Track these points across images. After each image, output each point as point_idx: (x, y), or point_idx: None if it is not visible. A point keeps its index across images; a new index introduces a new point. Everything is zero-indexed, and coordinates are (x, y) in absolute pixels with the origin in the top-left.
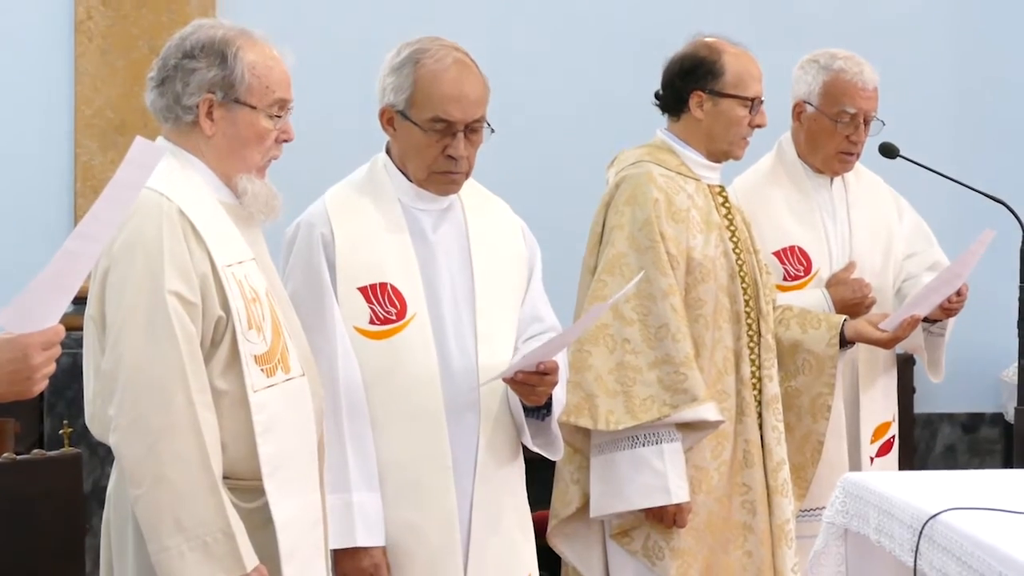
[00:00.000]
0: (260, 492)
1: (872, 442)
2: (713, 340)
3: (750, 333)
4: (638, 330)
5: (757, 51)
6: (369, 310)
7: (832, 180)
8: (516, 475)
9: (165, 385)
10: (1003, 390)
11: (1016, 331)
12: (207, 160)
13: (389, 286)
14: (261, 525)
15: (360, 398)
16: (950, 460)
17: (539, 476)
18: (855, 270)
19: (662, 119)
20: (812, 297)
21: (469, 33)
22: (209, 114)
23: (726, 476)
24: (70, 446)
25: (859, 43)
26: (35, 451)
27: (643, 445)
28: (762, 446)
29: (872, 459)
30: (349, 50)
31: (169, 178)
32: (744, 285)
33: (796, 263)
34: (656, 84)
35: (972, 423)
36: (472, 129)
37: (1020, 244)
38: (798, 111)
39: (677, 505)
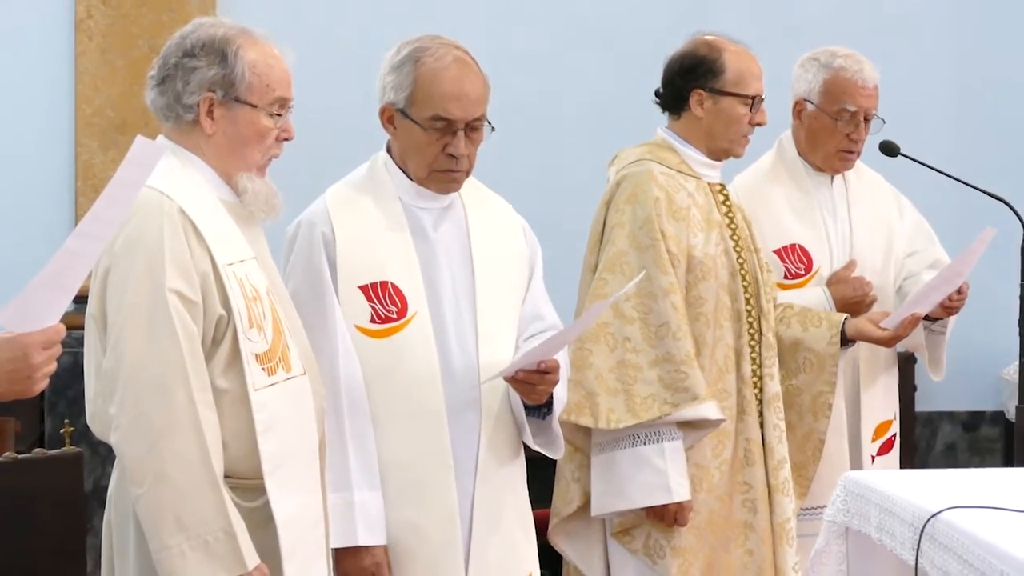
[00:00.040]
0: (261, 491)
1: (873, 440)
2: (714, 338)
3: (751, 331)
4: (639, 328)
5: (757, 49)
6: (370, 309)
7: (833, 178)
8: (517, 474)
9: (166, 384)
10: (1004, 388)
11: (1017, 329)
12: (208, 159)
13: (390, 285)
14: (262, 524)
15: (361, 397)
16: (951, 458)
17: (540, 475)
18: (856, 268)
19: (662, 118)
20: (813, 295)
21: (469, 32)
22: (210, 113)
23: (727, 474)
24: (71, 445)
25: (859, 41)
26: (36, 450)
27: (644, 443)
28: (763, 444)
29: (873, 457)
30: (349, 49)
31: (170, 177)
32: (745, 283)
33: (797, 261)
34: (656, 83)
35: (973, 421)
36: (472, 127)
37: (1021, 242)
38: (798, 109)
39: (678, 503)
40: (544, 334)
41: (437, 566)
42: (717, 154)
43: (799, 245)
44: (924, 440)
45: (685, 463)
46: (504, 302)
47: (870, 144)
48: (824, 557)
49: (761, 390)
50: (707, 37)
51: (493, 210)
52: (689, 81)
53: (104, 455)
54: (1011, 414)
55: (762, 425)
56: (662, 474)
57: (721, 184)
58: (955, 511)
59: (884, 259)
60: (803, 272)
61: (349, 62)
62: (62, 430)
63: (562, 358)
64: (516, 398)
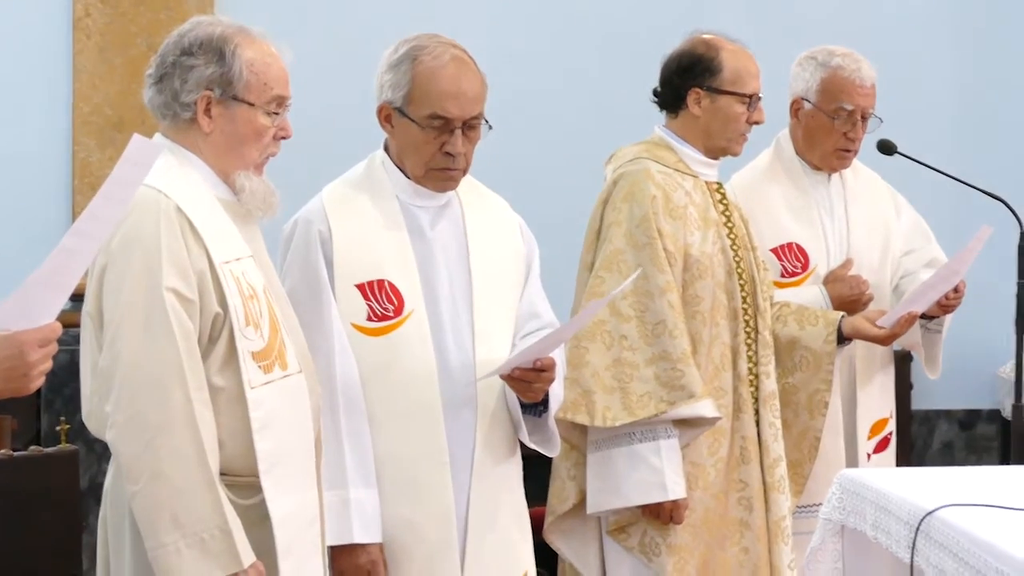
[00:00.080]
0: (257, 489)
1: (869, 438)
2: (710, 336)
3: (747, 330)
4: (635, 326)
5: (755, 48)
6: (366, 307)
7: (830, 177)
8: (513, 471)
9: (162, 382)
10: (1000, 387)
11: (1013, 328)
12: (205, 157)
13: (386, 283)
14: (258, 522)
15: (357, 395)
16: (947, 456)
17: (536, 472)
18: (853, 267)
19: (660, 117)
20: (810, 294)
21: (468, 31)
22: (207, 111)
23: (723, 472)
24: (67, 443)
25: (858, 40)
26: (32, 448)
27: (640, 441)
28: (759, 442)
29: (869, 455)
30: (347, 47)
31: (167, 175)
32: (742, 282)
33: (794, 260)
34: (654, 82)
35: (969, 420)
36: (470, 126)
37: (1018, 241)
38: (796, 108)
39: (674, 501)
40: (540, 332)
41: (433, 564)
42: (714, 152)
43: (796, 243)
44: (920, 438)
45: (681, 461)
46: (501, 300)
47: (867, 143)
48: (820, 555)
49: (757, 388)
50: (705, 36)
51: (490, 208)
52: (687, 80)
53: (100, 453)
54: (1007, 412)
55: (758, 423)
56: (658, 472)
57: (718, 183)
58: (951, 509)
59: (881, 257)
60: (800, 270)
61: (347, 61)
62: (58, 428)
63: (558, 356)
64: (512, 396)
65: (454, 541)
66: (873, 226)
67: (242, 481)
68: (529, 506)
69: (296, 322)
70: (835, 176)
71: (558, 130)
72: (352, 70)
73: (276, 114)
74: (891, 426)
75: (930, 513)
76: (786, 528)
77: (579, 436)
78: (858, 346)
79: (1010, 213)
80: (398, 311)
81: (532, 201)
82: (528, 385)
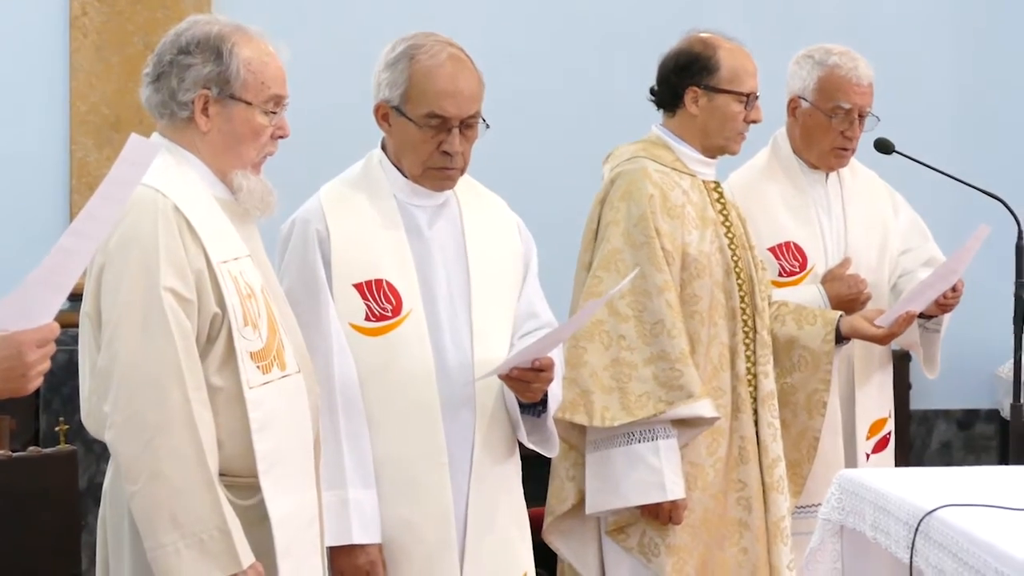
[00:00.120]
0: (256, 489)
1: (868, 438)
2: (709, 336)
3: (746, 329)
4: (633, 326)
5: (753, 47)
6: (364, 307)
7: (827, 176)
8: (512, 472)
9: (161, 382)
10: (999, 386)
11: (1012, 327)
12: (202, 156)
13: (384, 282)
14: (257, 522)
15: (355, 395)
16: (946, 456)
17: (535, 473)
18: (851, 266)
19: (659, 116)
20: (808, 293)
21: (468, 31)
22: (204, 110)
23: (722, 473)
24: (66, 443)
25: (856, 39)
26: (31, 448)
27: (639, 441)
28: (758, 443)
29: (868, 455)
30: (345, 46)
31: (164, 174)
32: (740, 281)
33: (792, 259)
34: (653, 81)
35: (968, 419)
36: (467, 125)
37: (1016, 240)
38: (793, 106)
39: (673, 502)
40: (539, 332)
41: (432, 564)
42: (712, 151)
43: (794, 243)
44: (919, 438)
45: (680, 461)
46: (499, 300)
47: (865, 141)
48: (819, 555)
49: (756, 388)
50: (702, 34)
51: (488, 208)
52: (684, 78)
53: (99, 453)
54: (1006, 412)
55: (757, 423)
56: (657, 472)
57: (716, 182)
58: (950, 509)
59: (879, 257)
60: (798, 270)
61: (345, 60)
62: (57, 428)
63: (557, 356)
64: (511, 396)
65: (453, 541)
66: (871, 225)
67: (241, 481)
68: (528, 506)
69: (294, 322)
70: (833, 175)
71: (557, 130)
72: (350, 69)
73: (274, 113)
74: (890, 426)
75: (929, 513)
76: (785, 528)
77: (578, 436)
78: (856, 346)
79: (1008, 212)
80: (396, 311)
81: (531, 201)
82: (526, 385)
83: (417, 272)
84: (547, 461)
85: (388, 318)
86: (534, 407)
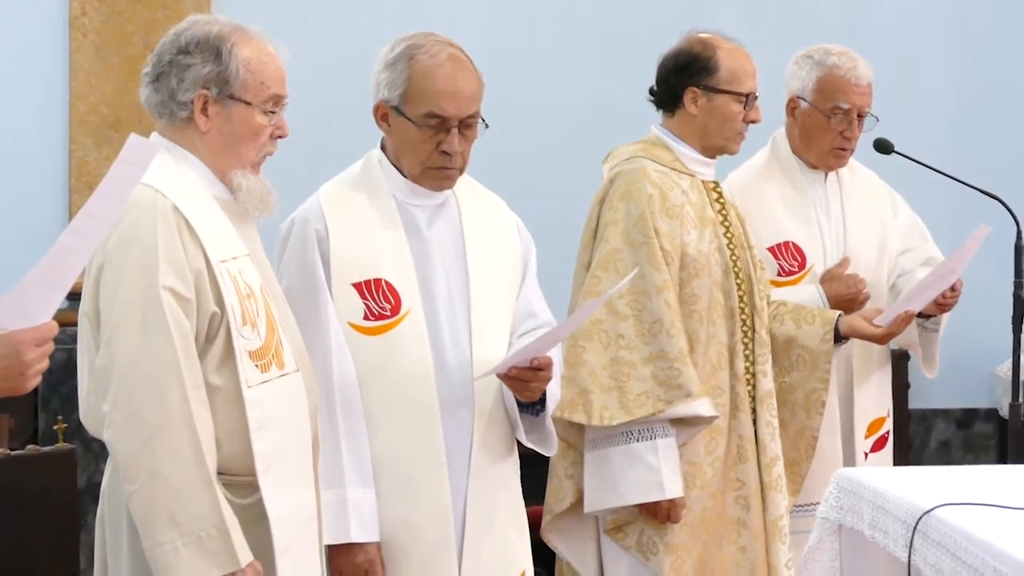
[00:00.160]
0: (255, 488)
1: (866, 437)
2: (707, 336)
3: (744, 329)
4: (632, 326)
5: (752, 47)
6: (363, 306)
7: (826, 175)
8: (511, 471)
9: (160, 381)
10: (997, 386)
11: (1011, 327)
12: (202, 156)
13: (383, 282)
14: (256, 521)
15: (354, 394)
16: (944, 456)
17: (533, 472)
18: (849, 266)
19: (658, 116)
20: (806, 293)
21: (467, 31)
22: (204, 110)
23: (720, 472)
24: (64, 442)
25: (856, 39)
26: (29, 447)
27: (637, 441)
28: (756, 442)
29: (866, 455)
30: (345, 46)
31: (164, 174)
32: (738, 281)
33: (790, 259)
34: (652, 82)
35: (967, 419)
36: (466, 124)
37: (1014, 240)
38: (792, 107)
39: (671, 500)
40: (538, 331)
41: (430, 563)
42: (711, 151)
43: (793, 242)
44: (918, 437)
45: (678, 460)
46: (498, 299)
47: (865, 142)
48: (817, 554)
49: (754, 387)
50: (701, 35)
51: (487, 207)
52: (683, 79)
53: (97, 452)
54: (1005, 411)
55: (755, 422)
56: (655, 471)
57: (715, 181)
58: (948, 508)
59: (878, 256)
60: (797, 269)
61: (344, 60)
62: (55, 427)
63: (555, 355)
64: (509, 395)
65: (451, 540)
66: (870, 225)
67: (239, 480)
68: (526, 505)
69: (293, 321)
70: (832, 175)
71: (557, 130)
72: (349, 69)
73: (273, 113)
74: (888, 425)
75: (927, 512)
76: (783, 527)
77: (576, 435)
78: (855, 345)
79: (1007, 212)
80: (395, 310)
81: (530, 200)
82: (525, 384)
83: (416, 272)
84: (545, 460)
85: (387, 317)
86: (533, 406)
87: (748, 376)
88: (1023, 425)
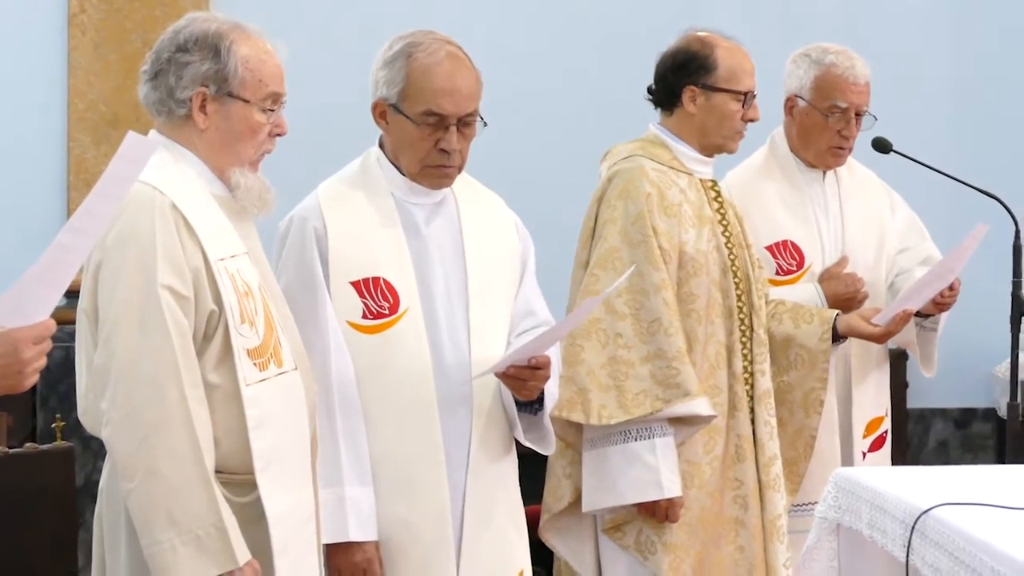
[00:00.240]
0: (253, 487)
1: (864, 437)
2: (705, 335)
3: (742, 328)
4: (630, 324)
5: (750, 46)
6: (362, 304)
7: (825, 174)
8: (509, 470)
9: (158, 379)
10: (996, 385)
11: (1009, 326)
12: (200, 154)
13: (382, 280)
14: (254, 520)
15: (352, 393)
16: (943, 455)
17: (531, 471)
18: (848, 265)
19: (656, 115)
20: (805, 292)
21: (467, 30)
22: (202, 108)
23: (718, 471)
24: (63, 440)
25: (854, 38)
26: (27, 445)
27: (635, 440)
28: (754, 441)
29: (864, 454)
30: (344, 44)
31: (162, 172)
32: (736, 280)
33: (789, 257)
34: (651, 81)
35: (965, 418)
36: (465, 123)
37: (1013, 239)
38: (790, 105)
39: (669, 500)
40: (536, 330)
41: (428, 562)
42: (709, 150)
43: (791, 241)
44: (916, 437)
45: (676, 459)
46: (496, 298)
47: (863, 140)
48: (815, 553)
49: (752, 386)
50: (699, 33)
51: (486, 206)
52: (681, 77)
53: (96, 450)
54: (1003, 411)
55: (753, 421)
56: (653, 470)
57: (713, 180)
58: (946, 508)
59: (876, 255)
60: (795, 268)
61: (343, 58)
62: (53, 425)
63: (553, 354)
64: (508, 394)
65: (450, 539)
66: (868, 224)
67: (238, 479)
68: (525, 504)
69: (291, 320)
70: (830, 174)
71: (556, 129)
72: (348, 67)
73: (271, 111)
74: (886, 424)
75: (926, 512)
76: (781, 527)
77: (575, 434)
78: (853, 344)
79: (1005, 211)
80: (393, 309)
81: (529, 199)
82: (523, 383)
83: (414, 270)
84: (544, 459)
85: (385, 316)
86: (531, 405)
87: (746, 375)
88: (1021, 425)
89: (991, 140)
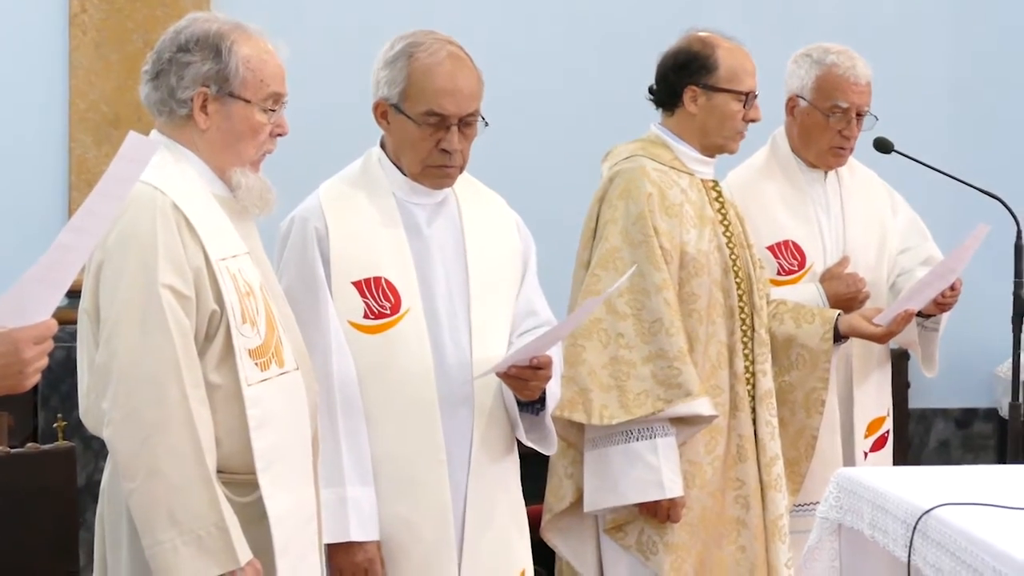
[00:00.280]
0: (254, 486)
1: (866, 437)
2: (707, 335)
3: (744, 328)
4: (632, 325)
5: (752, 46)
6: (363, 304)
7: (826, 174)
8: (510, 470)
9: (159, 379)
10: (997, 385)
11: (1010, 326)
12: (201, 154)
13: (383, 280)
14: (255, 520)
15: (354, 393)
16: (944, 455)
17: (533, 471)
18: (849, 265)
19: (658, 115)
20: (806, 291)
21: (468, 30)
22: (203, 108)
23: (720, 471)
24: (64, 440)
25: (855, 38)
26: (29, 445)
27: (637, 440)
28: (756, 441)
29: (866, 454)
30: (345, 44)
31: (163, 172)
32: (738, 280)
33: (790, 257)
34: (652, 81)
35: (966, 418)
36: (466, 123)
37: (1014, 239)
38: (791, 105)
39: (671, 500)
40: (537, 330)
41: (430, 562)
42: (711, 150)
43: (792, 241)
44: (917, 437)
45: (678, 459)
46: (498, 298)
47: (864, 141)
48: (817, 553)
49: (754, 386)
50: (701, 33)
51: (487, 205)
52: (683, 77)
53: (97, 450)
54: (1004, 411)
55: (755, 421)
56: (655, 470)
57: (714, 180)
58: (948, 508)
59: (877, 255)
60: (796, 268)
61: (344, 57)
62: (55, 425)
63: (555, 354)
64: (509, 394)
65: (451, 539)
66: (869, 224)
67: (239, 479)
68: (526, 504)
69: (293, 320)
70: (831, 174)
71: (557, 129)
72: (349, 67)
73: (272, 111)
74: (888, 424)
75: (927, 512)
76: (783, 527)
77: (576, 434)
78: (855, 344)
79: (1007, 211)
80: (395, 309)
81: (530, 199)
82: (525, 383)
83: (416, 270)
84: (545, 459)
85: (387, 316)
86: (532, 405)
87: (748, 375)
88: (1023, 425)
89: (991, 140)
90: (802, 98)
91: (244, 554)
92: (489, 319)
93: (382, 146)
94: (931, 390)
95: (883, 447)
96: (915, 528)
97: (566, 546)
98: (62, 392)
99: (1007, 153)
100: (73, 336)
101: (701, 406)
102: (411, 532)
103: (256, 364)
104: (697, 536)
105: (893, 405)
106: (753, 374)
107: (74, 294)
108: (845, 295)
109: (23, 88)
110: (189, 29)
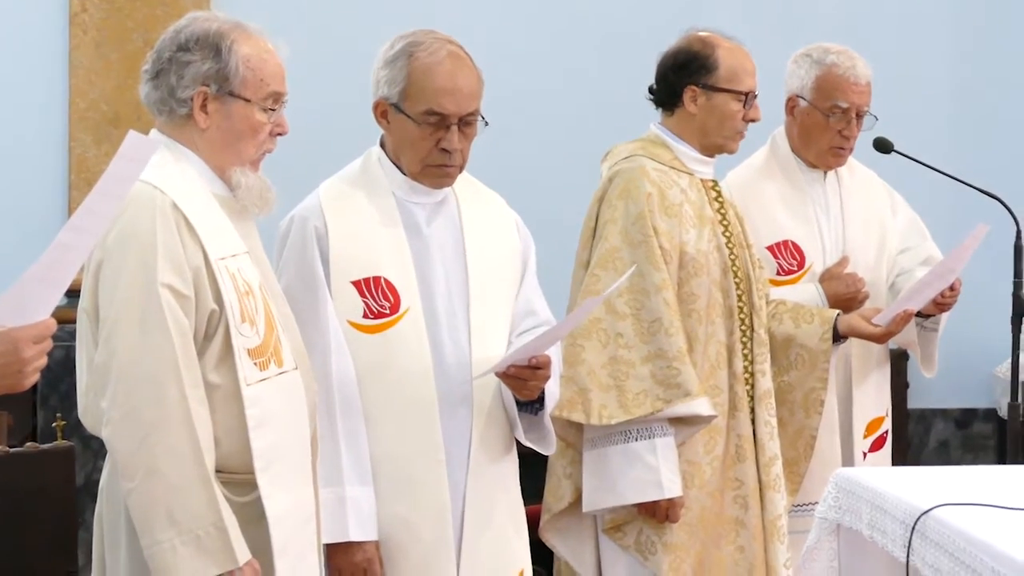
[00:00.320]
0: (253, 486)
1: (865, 437)
2: (706, 335)
3: (743, 328)
4: (631, 324)
5: (752, 46)
6: (363, 304)
7: (825, 174)
8: (509, 469)
9: (158, 379)
10: (996, 386)
11: (1010, 326)
12: (201, 153)
13: (383, 280)
14: (254, 519)
15: (353, 392)
16: (943, 456)
17: (532, 471)
18: (848, 265)
19: (657, 115)
20: (805, 292)
21: (468, 30)
22: (203, 107)
23: (719, 471)
24: (63, 439)
25: (855, 38)
26: (28, 444)
27: (636, 440)
28: (755, 441)
29: (865, 454)
30: (345, 43)
31: (163, 171)
32: (737, 280)
33: (789, 257)
34: (652, 80)
35: (965, 419)
36: (466, 122)
37: (1014, 239)
38: (791, 105)
39: (670, 500)
40: (537, 330)
41: (428, 562)
42: (710, 150)
43: (792, 241)
44: (917, 437)
45: (677, 459)
46: (497, 297)
47: (864, 141)
48: (815, 554)
49: (753, 386)
50: (701, 33)
51: (487, 205)
52: (682, 77)
53: (96, 449)
54: (1004, 411)
55: (754, 421)
56: (654, 470)
57: (714, 180)
58: (947, 508)
59: (877, 255)
60: (796, 268)
61: (344, 57)
62: (54, 424)
63: (554, 354)
64: (508, 394)
65: (450, 539)
66: (869, 224)
67: (238, 478)
68: (525, 504)
69: (292, 319)
70: (831, 174)
71: (557, 129)
72: (349, 67)
73: (272, 110)
74: (887, 425)
75: (926, 512)
76: (782, 527)
77: (575, 434)
78: (854, 344)
79: (1006, 211)
80: (394, 308)
81: (530, 199)
82: (524, 383)
83: (415, 270)
84: (544, 459)
85: (386, 315)
86: (531, 405)
87: (747, 375)
88: (1022, 425)
89: (991, 140)
90: (802, 98)
91: (243, 554)
92: (488, 319)
93: (382, 145)
94: (930, 390)
95: (882, 447)
96: (914, 528)
97: (565, 546)
98: (61, 391)
99: (1007, 153)
100: (72, 335)
101: (700, 406)
102: (410, 532)
103: (255, 364)
104: (696, 536)
105: (892, 405)
106: (752, 374)
107: (73, 293)
108: (844, 295)
109: (23, 87)
110: (189, 28)
